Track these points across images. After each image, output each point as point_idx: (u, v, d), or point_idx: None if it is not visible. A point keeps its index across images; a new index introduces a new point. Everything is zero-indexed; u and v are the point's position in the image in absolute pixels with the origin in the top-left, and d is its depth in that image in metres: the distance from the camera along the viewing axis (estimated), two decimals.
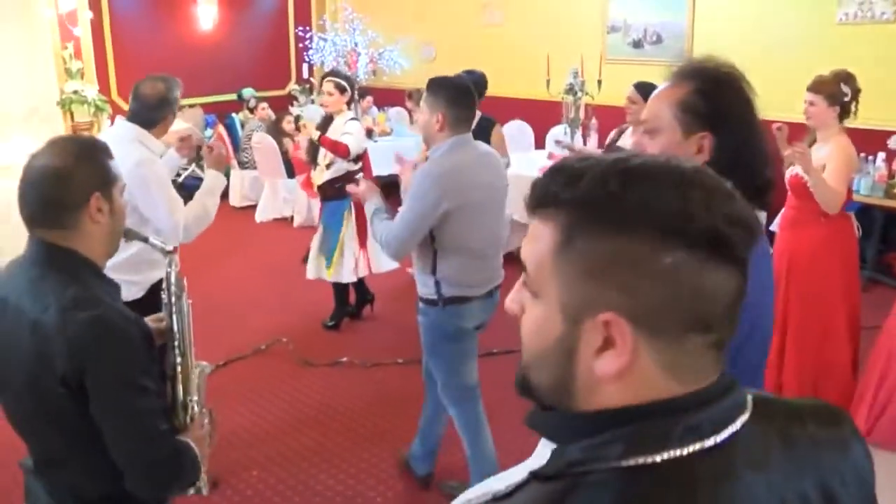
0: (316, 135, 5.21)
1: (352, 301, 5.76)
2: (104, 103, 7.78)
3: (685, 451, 0.77)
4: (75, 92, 7.45)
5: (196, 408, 2.05)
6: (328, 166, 5.27)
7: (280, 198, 8.46)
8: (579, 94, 6.39)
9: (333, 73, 5.41)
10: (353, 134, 5.15)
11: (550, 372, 0.85)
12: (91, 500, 1.87)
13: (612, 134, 5.18)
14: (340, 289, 5.62)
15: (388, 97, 9.87)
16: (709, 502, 0.76)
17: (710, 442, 0.78)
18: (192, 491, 1.99)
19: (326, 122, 5.32)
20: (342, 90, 5.21)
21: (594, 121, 6.86)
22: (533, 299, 0.85)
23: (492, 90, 9.21)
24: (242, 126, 9.42)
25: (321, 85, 5.40)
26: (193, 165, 9.22)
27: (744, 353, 1.65)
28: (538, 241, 0.83)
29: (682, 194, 0.77)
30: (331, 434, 4.20)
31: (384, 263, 5.57)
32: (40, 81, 7.23)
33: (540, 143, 8.20)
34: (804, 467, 0.85)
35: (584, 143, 6.81)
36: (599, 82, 6.48)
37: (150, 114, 3.33)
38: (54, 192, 1.79)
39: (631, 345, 0.78)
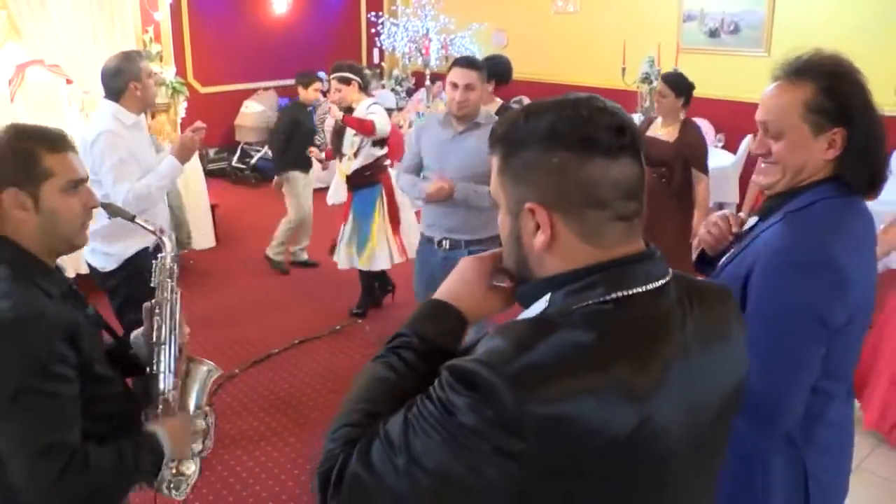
0: (339, 115, 5.18)
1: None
2: (181, 86, 7.93)
3: (648, 287, 1.12)
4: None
5: (171, 401, 1.99)
6: (356, 154, 5.23)
7: None
8: (654, 82, 6.29)
9: (335, 68, 5.32)
10: (378, 114, 5.13)
11: (512, 256, 1.20)
12: None
13: (641, 124, 4.96)
14: (369, 277, 5.62)
15: None
16: (666, 324, 1.12)
17: (660, 283, 1.14)
18: (165, 491, 1.95)
19: (346, 112, 5.26)
20: (347, 82, 5.22)
21: None
22: (498, 210, 1.21)
23: (563, 78, 9.12)
24: (315, 109, 9.52)
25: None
26: (266, 147, 9.38)
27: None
28: (492, 171, 1.19)
29: (560, 115, 1.10)
30: None
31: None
32: None
33: None
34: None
35: None
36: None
37: (112, 84, 3.56)
38: None
39: (549, 222, 1.12)
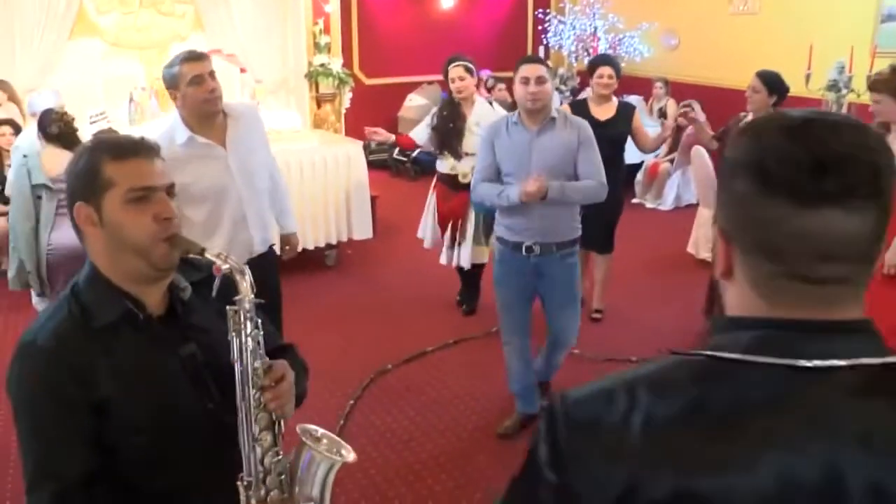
0: (391, 137, 5.62)
1: None
2: (347, 76, 8.09)
3: (794, 362, 0.89)
4: (322, 65, 7.81)
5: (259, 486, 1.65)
6: None
7: None
8: (843, 90, 5.81)
9: (458, 56, 5.15)
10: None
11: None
12: None
13: (731, 122, 4.90)
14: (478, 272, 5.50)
15: (624, 84, 9.57)
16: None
17: (820, 362, 0.88)
18: None
19: (455, 110, 5.12)
20: (471, 73, 5.10)
21: None
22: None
23: (738, 83, 8.64)
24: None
25: (447, 72, 5.10)
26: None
27: None
28: None
29: (759, 137, 0.93)
30: None
31: None
32: (292, 55, 7.64)
33: None
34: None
35: None
36: (869, 78, 5.85)
37: None
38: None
39: (725, 255, 0.99)
